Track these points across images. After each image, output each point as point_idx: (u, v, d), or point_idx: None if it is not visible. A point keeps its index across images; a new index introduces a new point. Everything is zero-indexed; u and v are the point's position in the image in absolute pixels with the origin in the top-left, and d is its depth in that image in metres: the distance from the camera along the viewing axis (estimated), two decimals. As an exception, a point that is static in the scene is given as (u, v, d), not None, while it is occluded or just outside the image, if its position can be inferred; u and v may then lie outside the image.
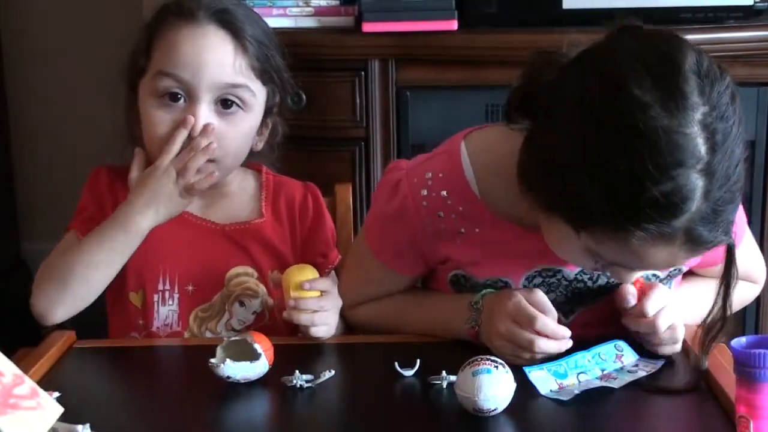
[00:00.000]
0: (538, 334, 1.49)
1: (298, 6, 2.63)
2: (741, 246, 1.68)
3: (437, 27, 2.54)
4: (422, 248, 1.64)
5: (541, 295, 1.53)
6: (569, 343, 1.50)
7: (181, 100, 1.73)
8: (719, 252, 1.50)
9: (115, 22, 3.53)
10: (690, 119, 1.29)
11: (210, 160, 1.72)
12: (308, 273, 1.65)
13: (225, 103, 1.74)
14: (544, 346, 1.49)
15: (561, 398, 1.42)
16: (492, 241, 1.59)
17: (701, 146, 1.29)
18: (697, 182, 1.29)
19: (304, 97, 2.50)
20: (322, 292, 1.64)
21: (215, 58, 1.72)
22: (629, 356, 1.53)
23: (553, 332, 1.49)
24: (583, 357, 1.51)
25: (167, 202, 1.70)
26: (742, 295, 1.77)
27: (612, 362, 1.51)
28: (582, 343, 1.52)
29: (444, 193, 1.60)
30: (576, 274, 1.60)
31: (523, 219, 1.53)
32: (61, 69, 3.66)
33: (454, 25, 2.54)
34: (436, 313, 1.66)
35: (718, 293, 1.47)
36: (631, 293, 1.54)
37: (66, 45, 3.64)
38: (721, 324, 1.46)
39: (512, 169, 1.47)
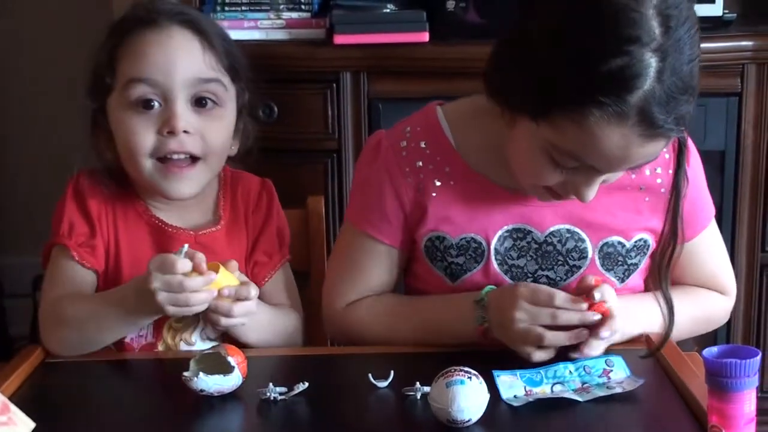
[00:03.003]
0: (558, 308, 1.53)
1: (269, 18, 2.63)
2: (706, 236, 1.75)
3: (408, 39, 2.55)
4: (403, 203, 1.68)
5: (545, 287, 1.57)
6: (593, 315, 1.53)
7: (156, 105, 1.72)
8: (690, 226, 1.65)
9: (84, 34, 3.51)
10: (647, 2, 1.40)
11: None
12: (228, 279, 1.63)
13: (200, 102, 1.74)
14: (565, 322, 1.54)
15: (513, 404, 1.42)
16: (466, 195, 1.66)
17: (656, 28, 1.40)
18: (650, 60, 1.39)
19: (276, 109, 2.50)
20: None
21: (185, 55, 1.73)
22: (619, 372, 1.51)
23: (572, 305, 1.53)
24: (565, 368, 1.51)
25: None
26: (714, 308, 1.77)
27: (596, 377, 1.50)
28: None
29: (423, 144, 1.69)
30: (545, 236, 1.65)
31: (495, 173, 1.65)
32: (33, 82, 3.65)
33: (425, 37, 2.55)
34: (434, 315, 1.67)
35: (669, 201, 1.61)
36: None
37: (35, 58, 3.63)
38: (674, 241, 1.61)
39: (485, 123, 1.62)
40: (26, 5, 3.63)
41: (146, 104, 1.72)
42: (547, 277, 1.66)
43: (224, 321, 1.64)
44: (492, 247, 1.65)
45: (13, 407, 1.28)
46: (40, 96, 3.64)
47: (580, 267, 1.66)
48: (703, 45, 2.47)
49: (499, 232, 1.66)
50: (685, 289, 1.73)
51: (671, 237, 1.62)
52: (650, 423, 1.43)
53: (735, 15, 2.64)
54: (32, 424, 1.29)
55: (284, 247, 1.89)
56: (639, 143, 1.43)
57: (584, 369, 1.51)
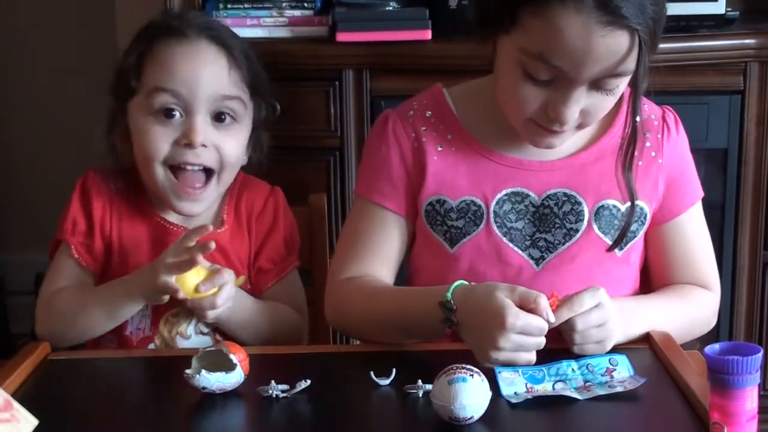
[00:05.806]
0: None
1: (272, 16, 2.64)
2: (693, 217, 1.77)
3: (411, 37, 2.55)
4: (407, 165, 1.74)
5: (523, 290, 1.50)
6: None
7: (177, 116, 1.77)
8: (677, 201, 1.71)
9: (88, 34, 3.53)
10: None
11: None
12: (201, 273, 1.67)
13: (219, 117, 1.79)
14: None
15: (512, 401, 1.42)
16: (467, 160, 1.72)
17: None
18: None
19: (278, 107, 2.50)
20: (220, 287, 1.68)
21: (211, 71, 1.78)
22: (623, 371, 1.50)
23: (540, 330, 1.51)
24: (568, 365, 1.51)
25: (151, 291, 1.69)
26: (706, 306, 1.76)
27: (599, 375, 1.50)
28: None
29: (428, 113, 1.77)
30: (542, 200, 1.69)
31: (496, 141, 1.72)
32: (37, 80, 3.65)
33: (427, 34, 2.55)
34: (405, 306, 1.65)
35: (630, 97, 1.63)
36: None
37: (41, 57, 3.64)
38: (633, 136, 1.65)
39: (485, 97, 1.72)
40: (28, 5, 3.63)
41: (167, 113, 1.77)
42: (545, 240, 1.69)
43: (210, 313, 1.68)
44: (491, 209, 1.69)
45: (15, 404, 1.28)
46: (43, 96, 3.64)
47: (577, 230, 1.68)
48: (705, 43, 2.48)
49: (498, 195, 1.69)
50: (677, 289, 1.74)
51: (632, 132, 1.65)
52: (652, 420, 1.43)
53: (737, 13, 2.64)
54: (35, 421, 1.29)
55: (293, 254, 1.91)
56: (599, 32, 1.48)
57: (587, 367, 1.51)
